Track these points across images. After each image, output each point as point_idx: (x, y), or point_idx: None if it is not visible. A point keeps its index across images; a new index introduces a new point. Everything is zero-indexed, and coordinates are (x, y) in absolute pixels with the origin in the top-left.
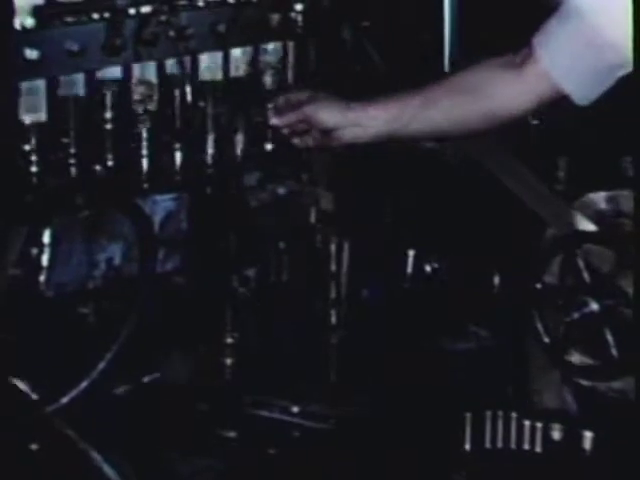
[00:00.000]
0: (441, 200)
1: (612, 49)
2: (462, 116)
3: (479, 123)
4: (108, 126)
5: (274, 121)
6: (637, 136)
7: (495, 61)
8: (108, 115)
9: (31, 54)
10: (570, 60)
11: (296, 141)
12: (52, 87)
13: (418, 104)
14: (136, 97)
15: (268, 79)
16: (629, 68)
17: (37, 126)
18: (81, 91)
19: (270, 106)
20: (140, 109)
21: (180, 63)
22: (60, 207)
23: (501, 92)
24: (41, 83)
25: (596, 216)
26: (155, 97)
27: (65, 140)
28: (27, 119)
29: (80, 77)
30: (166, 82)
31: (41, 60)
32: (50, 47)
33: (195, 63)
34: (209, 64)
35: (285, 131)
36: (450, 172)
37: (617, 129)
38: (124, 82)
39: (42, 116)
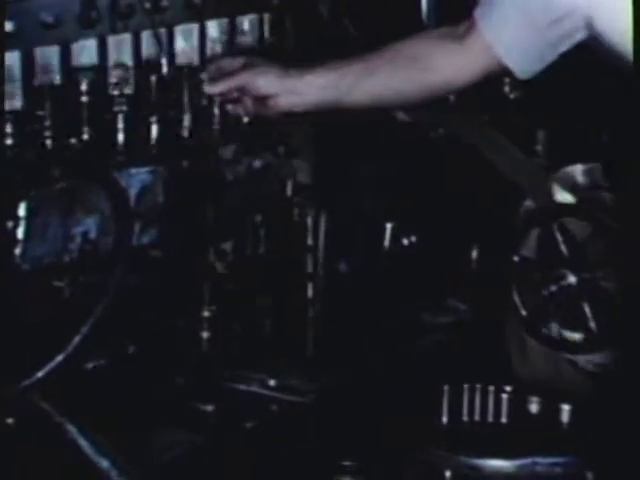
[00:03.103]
0: (419, 172)
1: (553, 24)
2: (402, 86)
3: (420, 94)
4: (84, 99)
5: (208, 89)
6: (637, 136)
7: (438, 32)
8: (84, 98)
9: (6, 26)
10: (512, 34)
11: (230, 109)
12: (27, 59)
13: (357, 72)
14: (112, 80)
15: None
16: (572, 42)
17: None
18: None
19: (204, 73)
20: (116, 92)
21: (157, 39)
22: (36, 180)
23: (443, 63)
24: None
25: (573, 189)
26: (131, 80)
27: (41, 113)
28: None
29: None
30: (142, 65)
31: (16, 32)
32: (25, 19)
33: (171, 46)
34: (184, 47)
35: (219, 99)
36: (429, 144)
37: (595, 102)
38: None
39: (17, 89)
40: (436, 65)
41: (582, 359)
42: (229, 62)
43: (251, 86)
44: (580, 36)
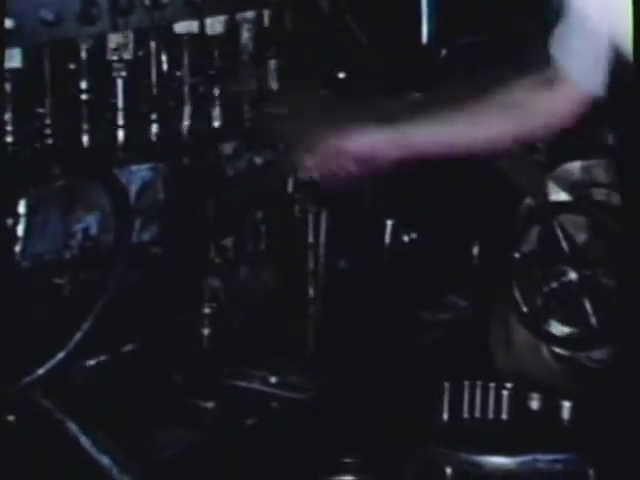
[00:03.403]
0: (419, 169)
1: (619, 48)
2: (507, 132)
3: (523, 138)
4: (85, 96)
5: (322, 170)
6: (637, 135)
7: (530, 80)
8: (84, 85)
9: (6, 23)
10: (593, 69)
11: (343, 180)
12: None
13: (466, 121)
14: (112, 46)
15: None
16: None
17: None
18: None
19: (306, 162)
20: (115, 57)
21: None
22: (36, 177)
23: (541, 110)
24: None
25: (572, 186)
26: (131, 45)
27: (41, 110)
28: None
29: None
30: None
31: (16, 29)
32: (25, 16)
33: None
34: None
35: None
36: None
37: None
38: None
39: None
40: (536, 112)
41: (582, 355)
42: (325, 145)
43: (359, 148)
44: None
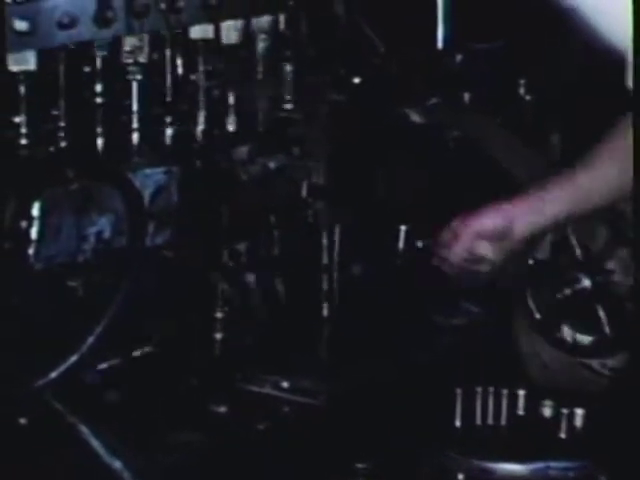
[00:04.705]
0: (433, 175)
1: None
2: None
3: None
4: (99, 99)
5: (452, 258)
6: (637, 135)
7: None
8: (99, 87)
9: (20, 25)
10: None
11: (476, 271)
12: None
13: (590, 179)
14: (126, 48)
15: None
16: None
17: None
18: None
19: (438, 253)
20: (130, 60)
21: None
22: (50, 180)
23: None
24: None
25: None
26: (146, 48)
27: (55, 112)
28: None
29: None
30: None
31: (31, 32)
32: (40, 18)
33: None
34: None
35: (462, 265)
36: (443, 145)
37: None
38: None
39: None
40: None
41: (596, 363)
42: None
43: (488, 227)
44: None
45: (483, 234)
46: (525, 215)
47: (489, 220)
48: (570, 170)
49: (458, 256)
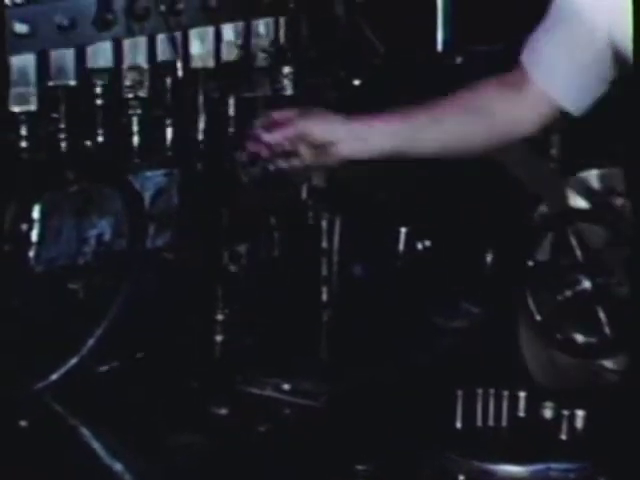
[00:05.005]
0: (433, 176)
1: (597, 58)
2: (467, 136)
3: (484, 143)
4: (99, 101)
5: (267, 138)
6: (637, 135)
7: (497, 81)
8: (99, 101)
9: (21, 28)
10: (563, 77)
11: (283, 162)
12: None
13: (423, 122)
14: (127, 83)
15: (260, 58)
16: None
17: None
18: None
19: (259, 124)
20: (131, 95)
21: (172, 42)
22: (50, 182)
23: (505, 113)
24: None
25: (588, 194)
26: (146, 83)
27: (55, 115)
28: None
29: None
30: (157, 68)
31: (31, 34)
32: (40, 21)
33: (186, 49)
34: (200, 51)
35: (275, 150)
36: None
37: (611, 107)
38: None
39: (32, 92)
40: (499, 115)
41: (596, 364)
42: (281, 113)
43: (313, 132)
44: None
45: (306, 137)
46: (351, 139)
47: (318, 129)
48: (409, 108)
49: (275, 142)
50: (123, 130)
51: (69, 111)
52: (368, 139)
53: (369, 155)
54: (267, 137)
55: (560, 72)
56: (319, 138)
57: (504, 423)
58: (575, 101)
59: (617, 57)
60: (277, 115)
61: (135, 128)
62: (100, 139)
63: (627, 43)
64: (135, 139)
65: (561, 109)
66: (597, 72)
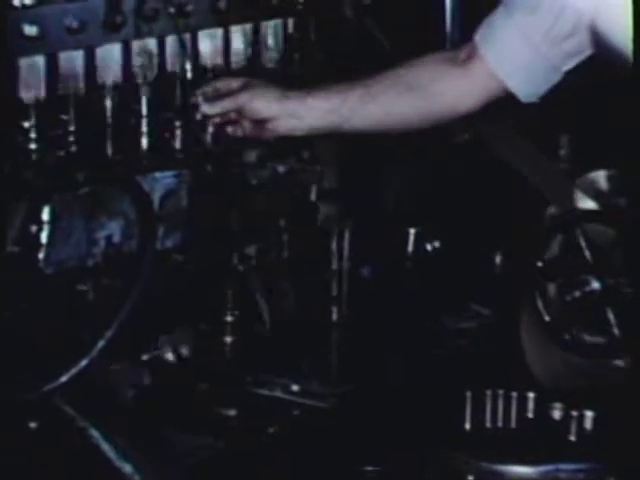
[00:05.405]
0: (442, 177)
1: (554, 46)
2: (404, 112)
3: (422, 120)
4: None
5: (205, 109)
6: (637, 135)
7: (439, 56)
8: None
9: (30, 30)
10: (514, 58)
11: (226, 130)
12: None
13: (358, 97)
14: (136, 65)
15: (268, 59)
16: (578, 60)
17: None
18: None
19: (199, 93)
20: (140, 77)
21: (181, 44)
22: (60, 184)
23: (445, 90)
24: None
25: (596, 195)
26: (155, 63)
27: (64, 117)
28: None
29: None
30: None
31: (40, 36)
32: (49, 23)
33: (196, 50)
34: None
35: (216, 120)
36: (452, 149)
37: (618, 108)
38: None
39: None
40: (439, 92)
41: (605, 365)
42: (226, 83)
43: (249, 108)
44: (587, 53)
45: (244, 112)
46: (286, 116)
47: (255, 105)
48: (345, 84)
49: (216, 110)
50: (133, 131)
51: (78, 113)
52: (304, 116)
53: (304, 131)
54: (206, 108)
55: (512, 53)
56: (256, 114)
57: (513, 424)
58: (523, 85)
59: (598, 46)
60: (220, 84)
61: (144, 129)
62: (109, 140)
63: (613, 32)
64: (144, 140)
65: (507, 91)
66: (554, 62)
